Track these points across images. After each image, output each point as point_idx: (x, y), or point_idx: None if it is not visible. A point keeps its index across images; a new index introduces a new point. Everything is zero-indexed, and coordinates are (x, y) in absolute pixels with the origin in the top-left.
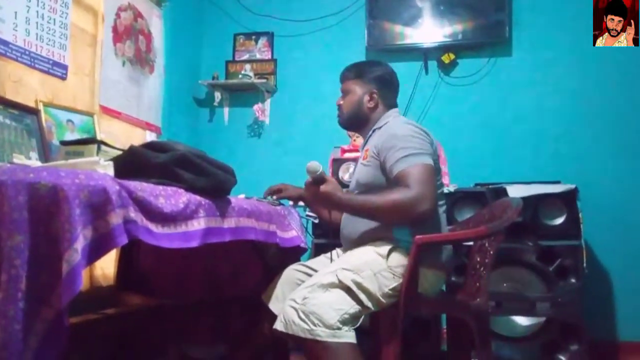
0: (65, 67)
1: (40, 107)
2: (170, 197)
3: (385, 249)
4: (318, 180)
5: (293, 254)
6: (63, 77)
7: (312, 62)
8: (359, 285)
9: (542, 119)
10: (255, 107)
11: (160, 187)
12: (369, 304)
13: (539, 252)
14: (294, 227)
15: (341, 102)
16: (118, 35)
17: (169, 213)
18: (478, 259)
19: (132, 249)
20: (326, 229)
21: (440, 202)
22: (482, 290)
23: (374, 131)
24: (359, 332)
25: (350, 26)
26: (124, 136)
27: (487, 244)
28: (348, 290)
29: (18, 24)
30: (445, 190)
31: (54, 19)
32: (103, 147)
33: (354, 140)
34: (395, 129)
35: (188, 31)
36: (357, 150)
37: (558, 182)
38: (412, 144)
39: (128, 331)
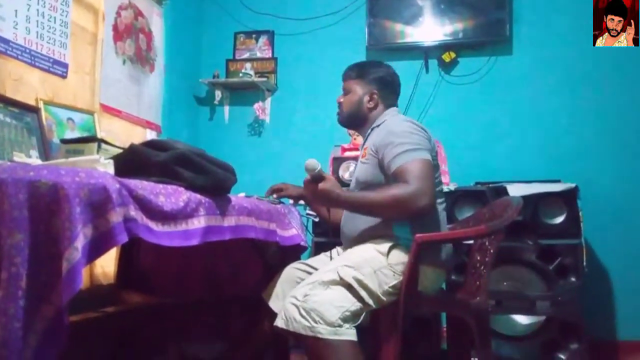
0: (65, 66)
1: (41, 105)
2: (170, 196)
3: (385, 246)
4: (316, 178)
5: (293, 253)
6: (63, 76)
7: (313, 61)
8: (360, 282)
9: (543, 118)
10: (256, 105)
11: (161, 186)
12: (370, 301)
13: (539, 251)
14: (294, 226)
15: (341, 100)
16: (118, 34)
17: (169, 211)
18: (478, 258)
19: (132, 247)
20: (326, 227)
21: (440, 200)
22: (482, 289)
23: (372, 129)
24: (358, 330)
25: (350, 25)
26: (124, 134)
27: (487, 243)
28: (349, 287)
29: (18, 22)
30: (446, 189)
31: (55, 17)
32: (103, 146)
33: (355, 138)
34: (392, 126)
35: (188, 30)
36: (357, 149)
37: (558, 181)
38: (410, 140)
39: (128, 329)
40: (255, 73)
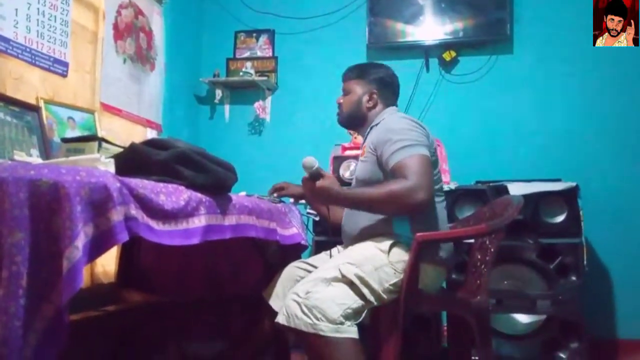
0: (66, 65)
1: (41, 104)
2: (171, 194)
3: (386, 244)
4: (314, 175)
5: (294, 252)
6: (64, 75)
7: (313, 60)
8: (361, 280)
9: (543, 117)
10: (256, 104)
11: (161, 185)
12: (372, 299)
13: (540, 250)
14: (295, 225)
15: (341, 101)
16: (119, 33)
17: (170, 210)
18: (479, 257)
19: (132, 246)
20: (326, 226)
21: (440, 198)
22: (483, 288)
23: (371, 128)
24: (359, 328)
25: (351, 24)
26: (125, 133)
27: (487, 242)
28: (351, 284)
29: (19, 21)
30: (446, 187)
31: (55, 16)
32: (104, 145)
33: (355, 137)
34: (391, 123)
35: (189, 29)
36: (358, 148)
37: (559, 180)
38: (408, 136)
39: (128, 328)
40: (256, 72)
